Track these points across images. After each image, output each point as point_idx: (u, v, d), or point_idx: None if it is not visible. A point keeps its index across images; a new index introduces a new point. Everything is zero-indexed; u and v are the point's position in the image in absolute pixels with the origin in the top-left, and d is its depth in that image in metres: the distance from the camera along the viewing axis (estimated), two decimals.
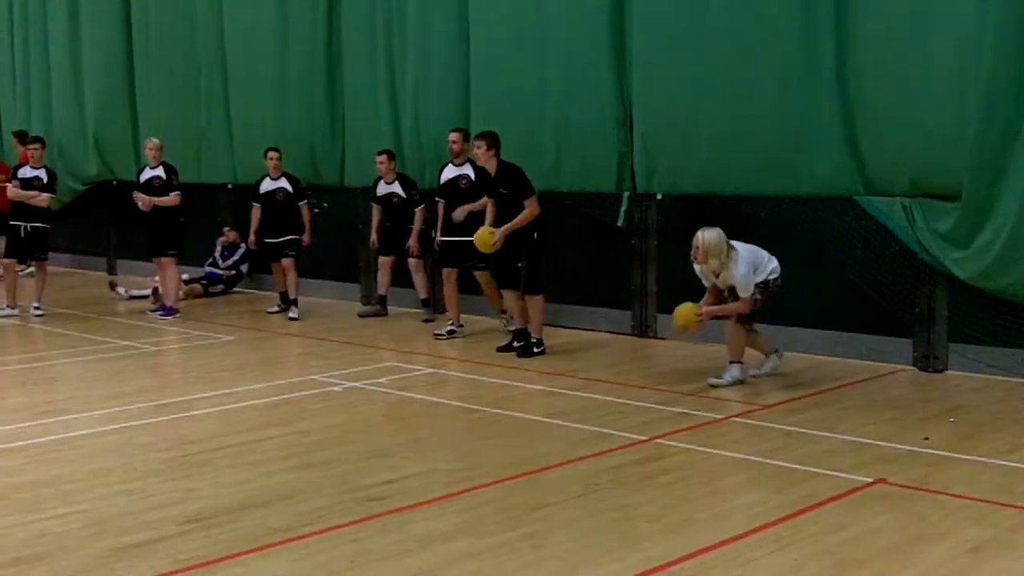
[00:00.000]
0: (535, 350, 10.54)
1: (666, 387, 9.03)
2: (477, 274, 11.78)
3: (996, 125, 9.02)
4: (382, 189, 13.06)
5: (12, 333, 12.82)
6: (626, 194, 11.62)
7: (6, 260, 13.83)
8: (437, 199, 12.17)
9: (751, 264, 8.97)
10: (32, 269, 14.49)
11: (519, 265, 10.56)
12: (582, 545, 5.44)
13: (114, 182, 18.23)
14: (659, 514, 5.90)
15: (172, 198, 13.26)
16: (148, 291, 14.57)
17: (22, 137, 16.64)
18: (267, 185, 13.55)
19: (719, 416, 8.08)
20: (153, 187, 13.33)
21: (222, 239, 15.56)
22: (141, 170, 13.75)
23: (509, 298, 10.95)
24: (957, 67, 9.18)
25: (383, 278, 13.22)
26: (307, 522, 5.81)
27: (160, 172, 13.38)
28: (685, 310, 9.15)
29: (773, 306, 10.45)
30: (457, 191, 11.87)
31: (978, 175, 9.13)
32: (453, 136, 12.08)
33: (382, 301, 13.33)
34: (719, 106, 10.81)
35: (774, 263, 9.12)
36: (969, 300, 9.45)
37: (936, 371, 9.60)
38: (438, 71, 13.30)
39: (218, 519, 5.90)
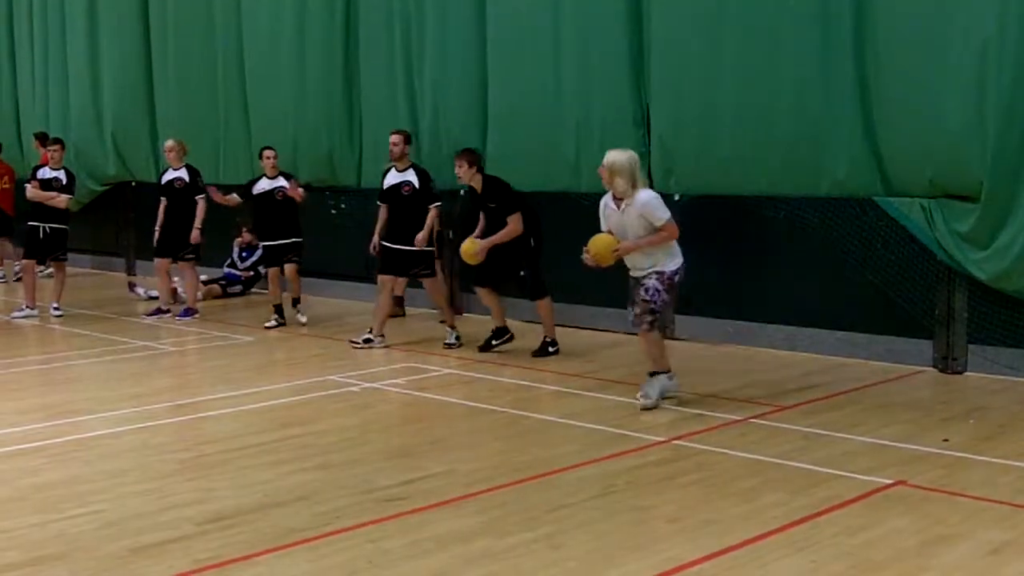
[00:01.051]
0: (550, 349, 10.59)
1: (684, 389, 8.95)
2: (426, 282, 11.48)
3: (1016, 125, 8.98)
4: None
5: (32, 333, 12.88)
6: None
7: (25, 261, 13.89)
8: (379, 203, 11.62)
9: (661, 200, 8.39)
10: (51, 270, 14.55)
11: (521, 274, 10.66)
12: (600, 546, 5.43)
13: (133, 183, 18.30)
14: (677, 515, 5.89)
15: (201, 205, 13.23)
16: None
17: (43, 139, 16.72)
18: (264, 185, 12.82)
19: (737, 417, 8.05)
20: (175, 188, 13.35)
21: (240, 240, 15.59)
22: (164, 171, 13.80)
23: (488, 297, 10.81)
24: (977, 67, 9.12)
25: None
26: (325, 522, 5.82)
27: (182, 174, 13.40)
28: (602, 242, 8.49)
29: (791, 306, 10.47)
30: (399, 198, 11.33)
31: (998, 176, 9.09)
32: (394, 138, 11.49)
33: (399, 302, 13.32)
34: (737, 106, 10.77)
35: (681, 256, 8.54)
36: (989, 301, 9.39)
37: (955, 373, 9.55)
38: (456, 72, 13.29)
39: (236, 519, 5.91)
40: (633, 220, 8.36)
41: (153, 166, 17.53)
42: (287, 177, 12.91)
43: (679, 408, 8.38)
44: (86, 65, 18.77)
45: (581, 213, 11.77)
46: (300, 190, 12.73)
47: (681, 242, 11.08)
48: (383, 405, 8.98)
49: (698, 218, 11.13)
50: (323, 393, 9.18)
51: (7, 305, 14.55)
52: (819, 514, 5.84)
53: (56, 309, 13.66)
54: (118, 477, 6.79)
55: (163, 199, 13.50)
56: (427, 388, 9.40)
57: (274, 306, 12.81)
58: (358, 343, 11.24)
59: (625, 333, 11.59)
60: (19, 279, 16.86)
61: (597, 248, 8.47)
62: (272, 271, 12.94)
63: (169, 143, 13.66)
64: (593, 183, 11.89)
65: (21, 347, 12.00)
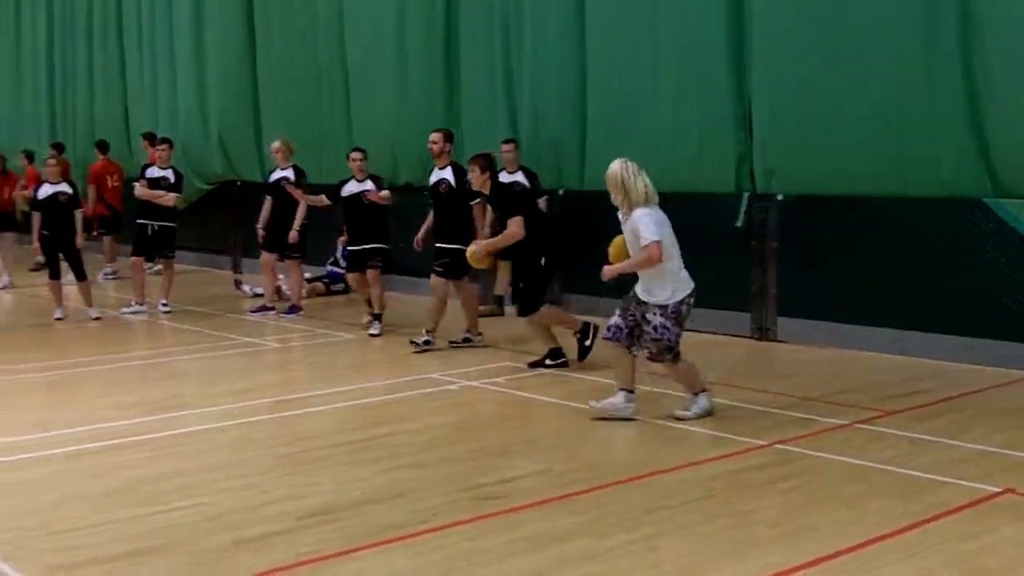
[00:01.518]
0: (586, 343, 10.02)
1: (786, 391, 8.85)
2: (432, 278, 11.14)
3: None
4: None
5: (140, 329, 13.19)
6: (746, 195, 11.43)
7: (134, 258, 14.20)
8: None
9: (658, 219, 7.91)
10: (160, 267, 14.85)
11: (520, 285, 10.16)
12: (699, 549, 5.36)
13: (238, 182, 18.60)
14: (778, 520, 5.79)
15: (302, 205, 13.30)
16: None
17: (151, 139, 17.08)
18: (352, 188, 12.45)
19: (842, 422, 7.89)
20: (280, 188, 13.56)
21: (343, 239, 15.71)
22: (272, 171, 14.06)
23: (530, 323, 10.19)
24: None
25: (502, 277, 13.21)
26: (423, 519, 5.84)
27: (289, 174, 13.60)
28: (614, 244, 8.17)
29: (895, 308, 10.23)
30: (438, 196, 11.29)
31: None
32: (433, 136, 11.49)
33: (498, 301, 13.34)
34: (840, 105, 10.55)
35: (690, 282, 8.10)
36: None
37: None
38: (555, 70, 13.27)
39: (335, 515, 5.96)
40: (629, 234, 7.97)
41: (258, 166, 17.80)
42: (375, 180, 12.56)
43: (782, 411, 8.24)
44: (193, 65, 19.15)
45: (679, 213, 11.63)
46: (385, 192, 12.36)
47: (782, 245, 11.06)
48: (480, 403, 8.99)
49: (800, 218, 10.98)
50: (421, 391, 9.22)
51: (117, 301, 14.88)
52: (927, 521, 5.69)
53: (164, 305, 13.96)
54: (219, 471, 6.90)
55: (268, 197, 13.74)
56: (524, 387, 9.38)
57: (368, 301, 12.65)
58: (457, 343, 11.25)
59: (724, 335, 11.47)
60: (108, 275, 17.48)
61: (614, 249, 8.21)
62: (352, 276, 12.65)
63: (276, 144, 13.89)
64: (691, 183, 11.78)
65: (130, 342, 12.29)
